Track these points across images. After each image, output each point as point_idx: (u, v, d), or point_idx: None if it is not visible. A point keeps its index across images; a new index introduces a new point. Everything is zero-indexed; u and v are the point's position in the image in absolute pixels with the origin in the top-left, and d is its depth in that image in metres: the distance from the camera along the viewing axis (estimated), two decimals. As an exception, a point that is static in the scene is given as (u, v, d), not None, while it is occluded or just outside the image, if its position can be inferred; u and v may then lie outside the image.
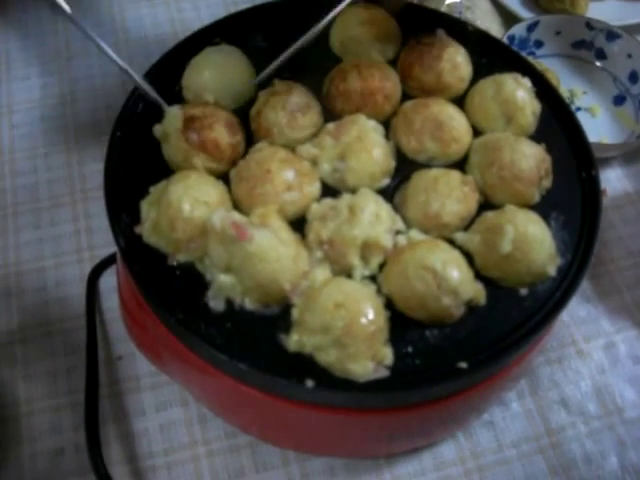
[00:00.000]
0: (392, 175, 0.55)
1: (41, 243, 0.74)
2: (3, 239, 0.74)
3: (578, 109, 0.85)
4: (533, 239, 0.49)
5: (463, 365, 0.46)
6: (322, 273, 0.48)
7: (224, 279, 0.47)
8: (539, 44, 0.89)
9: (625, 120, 0.84)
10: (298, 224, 0.51)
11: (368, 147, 0.53)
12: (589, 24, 0.86)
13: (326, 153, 0.53)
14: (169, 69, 0.59)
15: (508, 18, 0.91)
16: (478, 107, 0.57)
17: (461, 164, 0.55)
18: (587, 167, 0.55)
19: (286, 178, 0.51)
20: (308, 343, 0.45)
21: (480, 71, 0.60)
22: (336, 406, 0.48)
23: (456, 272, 0.47)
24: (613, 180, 0.81)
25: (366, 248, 0.49)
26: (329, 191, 0.53)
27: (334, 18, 0.56)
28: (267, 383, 0.47)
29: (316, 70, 0.59)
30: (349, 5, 0.62)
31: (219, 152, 0.53)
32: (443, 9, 0.86)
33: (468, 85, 0.59)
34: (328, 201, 0.51)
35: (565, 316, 0.70)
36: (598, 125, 0.84)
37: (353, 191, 0.52)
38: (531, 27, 0.87)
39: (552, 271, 0.50)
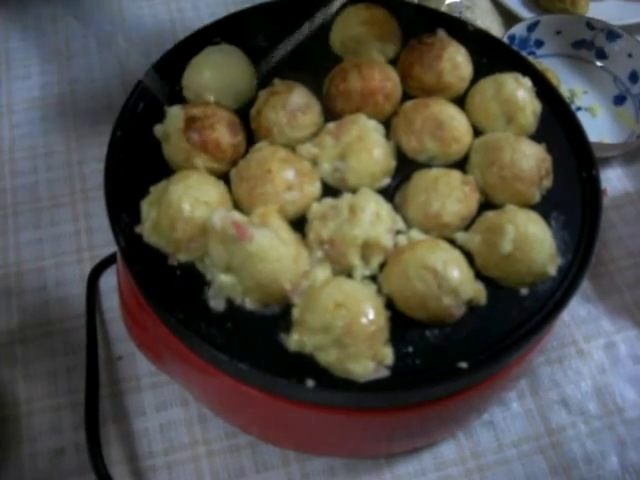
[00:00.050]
0: (392, 175, 0.55)
1: (41, 243, 0.74)
2: (3, 239, 0.74)
3: (578, 109, 0.85)
4: (534, 239, 0.49)
5: (463, 365, 0.46)
6: (322, 273, 0.48)
7: (224, 279, 0.47)
8: (539, 44, 0.89)
9: (625, 120, 0.84)
10: (298, 224, 0.51)
11: (368, 147, 0.53)
12: (589, 24, 0.86)
13: (326, 153, 0.53)
14: (169, 69, 0.58)
15: (508, 18, 0.91)
16: (478, 107, 0.57)
17: (461, 164, 0.55)
18: (587, 167, 0.55)
19: (286, 178, 0.51)
20: (308, 343, 0.45)
21: (480, 71, 0.60)
22: (336, 406, 0.48)
23: (456, 272, 0.47)
24: (613, 180, 0.81)
25: (366, 248, 0.49)
26: (329, 191, 0.53)
27: (337, 10, 0.56)
28: (267, 383, 0.47)
29: (316, 70, 0.59)
30: (350, 5, 0.62)
31: (220, 152, 0.53)
32: (443, 9, 0.86)
33: (468, 85, 0.59)
34: (328, 201, 0.51)
35: (565, 316, 0.70)
36: (598, 125, 0.84)
37: (353, 191, 0.52)
38: (531, 27, 0.87)
39: (552, 271, 0.49)
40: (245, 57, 0.59)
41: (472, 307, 0.48)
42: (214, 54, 0.58)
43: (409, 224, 0.52)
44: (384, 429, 0.54)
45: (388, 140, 0.55)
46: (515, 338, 0.47)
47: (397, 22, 0.62)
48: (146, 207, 0.51)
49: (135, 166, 0.54)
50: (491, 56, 0.61)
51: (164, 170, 0.53)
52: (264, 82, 0.58)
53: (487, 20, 0.87)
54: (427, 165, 0.55)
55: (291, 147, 0.54)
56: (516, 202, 0.52)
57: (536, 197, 0.53)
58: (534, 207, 0.52)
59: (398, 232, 0.51)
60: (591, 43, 0.87)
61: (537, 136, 0.56)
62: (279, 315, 0.47)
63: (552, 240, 0.50)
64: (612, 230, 0.76)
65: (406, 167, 0.55)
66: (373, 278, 0.49)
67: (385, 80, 0.57)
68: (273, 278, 0.46)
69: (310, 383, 0.44)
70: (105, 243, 0.72)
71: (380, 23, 0.61)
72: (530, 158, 0.52)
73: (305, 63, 0.60)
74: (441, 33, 0.60)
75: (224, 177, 0.53)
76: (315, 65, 0.60)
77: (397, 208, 0.53)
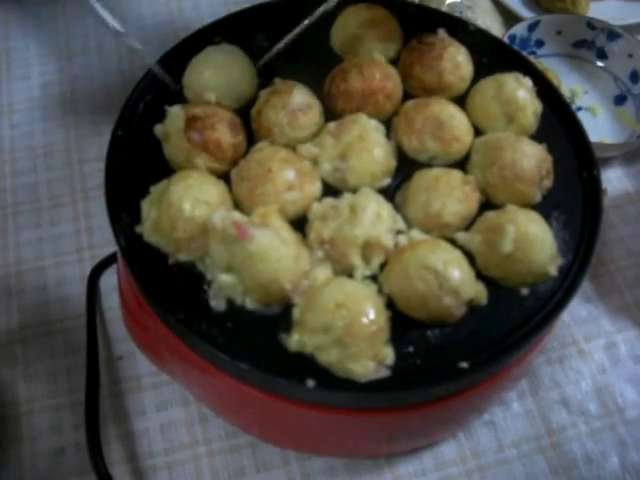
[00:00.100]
0: (393, 175, 0.54)
1: (41, 242, 0.74)
2: (3, 239, 0.74)
3: (579, 109, 0.85)
4: (534, 239, 0.49)
5: (464, 365, 0.46)
6: (323, 273, 0.48)
7: (225, 279, 0.47)
8: (540, 44, 0.89)
9: (626, 120, 0.84)
10: (299, 224, 0.51)
11: (369, 146, 0.53)
12: (590, 24, 0.86)
13: (327, 152, 0.53)
14: (170, 68, 0.58)
15: (509, 17, 0.91)
16: (479, 107, 0.57)
17: (462, 164, 0.55)
18: (588, 167, 0.55)
19: (287, 178, 0.51)
20: (309, 343, 0.45)
21: (481, 70, 0.60)
22: (337, 406, 0.48)
23: (457, 272, 0.47)
24: (614, 180, 0.81)
25: (367, 248, 0.49)
26: (330, 191, 0.53)
27: (338, 10, 0.56)
28: (268, 383, 0.47)
29: (317, 69, 0.59)
30: (350, 4, 0.62)
31: (221, 152, 0.53)
32: (444, 8, 0.86)
33: (469, 85, 0.59)
34: (329, 201, 0.51)
35: (566, 316, 0.70)
36: (599, 125, 0.83)
37: (354, 191, 0.52)
38: (532, 27, 0.87)
39: (553, 271, 0.49)
40: (246, 57, 0.59)
41: (473, 307, 0.48)
42: (215, 54, 0.58)
43: (410, 224, 0.52)
44: (385, 429, 0.53)
45: (389, 140, 0.55)
46: (516, 338, 0.47)
47: (398, 22, 0.62)
48: (146, 207, 0.51)
49: (135, 166, 0.54)
50: (492, 56, 0.61)
51: (164, 170, 0.53)
52: (265, 82, 0.58)
53: (488, 20, 0.87)
54: (428, 165, 0.55)
55: (292, 147, 0.54)
56: (517, 202, 0.52)
57: (537, 197, 0.53)
58: (535, 207, 0.52)
59: (399, 232, 0.51)
60: (592, 43, 0.87)
61: (538, 136, 0.56)
62: (280, 315, 0.47)
63: (553, 240, 0.50)
64: (612, 230, 0.76)
65: (407, 167, 0.55)
66: (374, 278, 0.49)
67: (386, 80, 0.57)
68: (274, 278, 0.46)
69: (311, 383, 0.44)
70: (105, 243, 0.72)
71: (381, 23, 0.61)
72: (531, 158, 0.52)
73: (306, 63, 0.60)
74: (442, 33, 0.60)
75: (225, 177, 0.53)
76: (316, 65, 0.60)
77: (398, 208, 0.53)
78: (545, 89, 0.58)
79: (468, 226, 0.52)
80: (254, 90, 0.58)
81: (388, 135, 0.56)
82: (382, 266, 0.49)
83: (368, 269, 0.49)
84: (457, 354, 0.46)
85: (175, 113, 0.53)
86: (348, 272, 0.49)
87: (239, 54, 0.59)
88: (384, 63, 0.59)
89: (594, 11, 0.92)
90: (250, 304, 0.47)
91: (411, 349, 0.47)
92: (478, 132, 0.57)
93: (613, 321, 0.71)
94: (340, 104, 0.57)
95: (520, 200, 0.52)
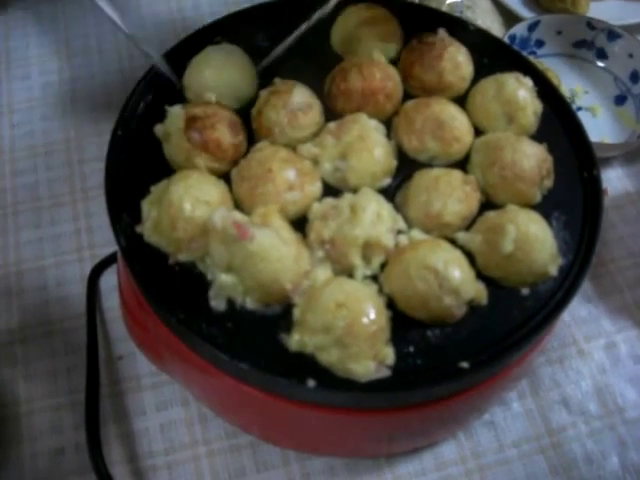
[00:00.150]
0: (393, 175, 0.54)
1: (41, 242, 0.74)
2: (3, 238, 0.74)
3: (579, 109, 0.85)
4: (535, 239, 0.49)
5: (464, 365, 0.46)
6: (323, 273, 0.48)
7: (225, 279, 0.47)
8: (540, 44, 0.88)
9: (626, 120, 0.84)
10: (299, 223, 0.51)
11: (369, 146, 0.53)
12: (590, 24, 0.86)
13: (327, 152, 0.53)
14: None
15: (509, 17, 0.91)
16: (479, 107, 0.57)
17: (462, 164, 0.55)
18: (588, 167, 0.55)
19: (287, 177, 0.51)
20: (309, 343, 0.45)
21: (481, 70, 0.60)
22: (337, 406, 0.48)
23: (458, 272, 0.47)
24: (614, 180, 0.81)
25: (367, 248, 0.49)
26: (330, 190, 0.53)
27: (338, 10, 0.56)
28: (268, 383, 0.47)
29: (317, 69, 0.59)
30: (351, 4, 0.62)
31: (221, 152, 0.52)
32: (444, 8, 0.86)
33: (469, 84, 0.59)
34: (329, 200, 0.51)
35: (566, 316, 0.70)
36: (599, 125, 0.84)
37: (354, 190, 0.52)
38: (532, 27, 0.87)
39: (554, 271, 0.49)
40: (246, 56, 0.59)
41: (473, 307, 0.48)
42: (215, 53, 0.58)
43: (410, 224, 0.52)
44: (385, 429, 0.53)
45: (389, 140, 0.55)
46: (516, 338, 0.47)
47: (398, 21, 0.62)
48: (147, 207, 0.51)
49: (136, 165, 0.54)
50: (492, 56, 0.61)
51: (165, 170, 0.53)
52: (265, 81, 0.58)
53: (488, 20, 0.87)
54: (428, 165, 0.55)
55: (292, 147, 0.54)
56: (517, 202, 0.52)
57: (537, 197, 0.53)
58: (535, 207, 0.52)
59: (399, 232, 0.51)
60: (592, 43, 0.87)
61: (538, 136, 0.56)
62: (280, 315, 0.47)
63: (553, 240, 0.50)
64: (613, 230, 0.76)
65: (407, 167, 0.55)
66: (374, 278, 0.49)
67: (386, 80, 0.57)
68: (274, 278, 0.46)
69: (311, 383, 0.44)
70: (105, 242, 0.72)
71: (381, 22, 0.61)
72: (531, 158, 0.52)
73: (306, 62, 0.60)
74: (442, 33, 0.60)
75: (225, 177, 0.53)
76: (316, 64, 0.60)
77: (398, 208, 0.53)
78: (545, 89, 0.58)
79: (468, 226, 0.52)
80: (254, 90, 0.58)
81: (388, 135, 0.56)
82: (382, 266, 0.49)
83: (368, 269, 0.49)
84: (457, 354, 0.46)
85: (175, 113, 0.53)
86: (348, 272, 0.49)
87: (239, 54, 0.59)
88: (384, 63, 0.59)
89: (594, 11, 0.92)
90: (250, 304, 0.47)
91: (411, 349, 0.47)
92: (478, 132, 0.57)
93: (613, 321, 0.71)
94: (340, 104, 0.57)
95: (520, 200, 0.52)
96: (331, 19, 0.62)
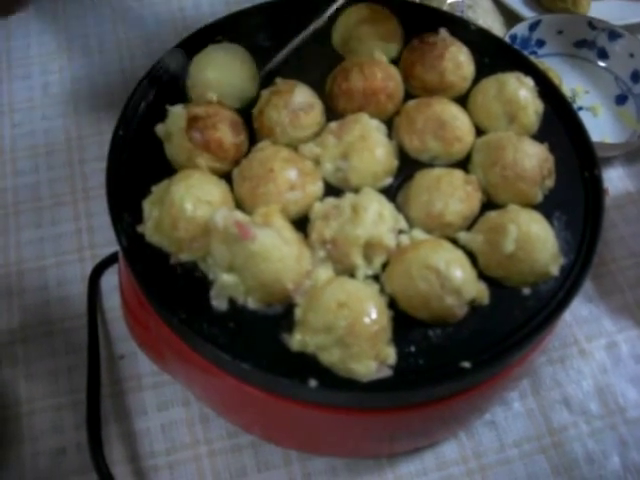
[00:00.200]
0: (395, 174, 0.54)
1: (42, 242, 0.74)
2: (4, 238, 0.74)
3: (580, 108, 0.85)
4: (536, 239, 0.49)
5: (466, 365, 0.46)
6: (325, 272, 0.48)
7: (227, 278, 0.47)
8: (541, 43, 0.88)
9: (627, 120, 0.84)
10: (301, 223, 0.51)
11: (371, 146, 0.53)
12: (591, 23, 0.86)
13: (329, 152, 0.53)
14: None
15: (510, 17, 0.91)
16: (481, 106, 0.57)
17: (464, 163, 0.55)
18: (589, 166, 0.55)
19: (289, 177, 0.51)
20: (311, 343, 0.45)
21: (482, 70, 0.60)
22: (339, 406, 0.48)
23: (459, 272, 0.47)
24: (615, 180, 0.80)
25: (369, 247, 0.49)
26: (332, 190, 0.53)
27: (339, 9, 0.56)
28: (270, 383, 0.47)
29: (318, 69, 0.59)
30: (352, 4, 0.62)
31: (223, 152, 0.52)
32: (445, 8, 0.86)
33: (470, 84, 0.59)
34: (331, 200, 0.51)
35: (567, 316, 0.70)
36: (600, 124, 0.83)
37: (356, 190, 0.52)
38: (533, 26, 0.87)
39: (555, 271, 0.49)
40: (248, 55, 0.59)
41: (475, 307, 0.48)
42: (216, 52, 0.58)
43: (412, 224, 0.52)
44: (386, 429, 0.53)
45: (390, 139, 0.55)
46: (517, 338, 0.47)
47: (399, 21, 0.62)
48: (148, 206, 0.51)
49: (137, 165, 0.54)
50: (493, 56, 0.61)
51: (166, 169, 0.53)
52: (266, 81, 0.58)
53: (489, 19, 0.87)
54: (429, 165, 0.55)
55: (293, 147, 0.54)
56: (518, 202, 0.52)
57: (538, 197, 0.53)
58: (536, 207, 0.52)
59: (401, 232, 0.51)
60: (593, 43, 0.87)
61: (539, 136, 0.56)
62: (282, 315, 0.47)
63: (554, 240, 0.50)
64: (614, 230, 0.76)
65: (408, 167, 0.55)
66: (376, 278, 0.49)
67: (387, 79, 0.57)
68: (275, 278, 0.46)
69: (313, 383, 0.44)
70: (106, 242, 0.72)
71: (382, 22, 0.61)
72: (532, 158, 0.52)
73: (307, 62, 0.60)
74: (443, 32, 0.60)
75: (226, 177, 0.53)
76: (317, 64, 0.60)
77: (399, 208, 0.53)
78: (546, 89, 0.58)
79: (470, 226, 0.52)
80: (256, 89, 0.58)
81: (390, 135, 0.56)
82: (384, 266, 0.49)
83: (370, 269, 0.49)
84: (459, 354, 0.46)
85: (177, 113, 0.53)
86: (350, 272, 0.49)
87: (241, 53, 0.58)
88: (385, 63, 0.59)
89: (595, 11, 0.91)
90: (252, 304, 0.47)
91: (413, 349, 0.47)
92: (480, 132, 0.57)
93: (614, 321, 0.71)
94: (342, 104, 0.57)
95: (522, 200, 0.52)
96: (332, 19, 0.62)
